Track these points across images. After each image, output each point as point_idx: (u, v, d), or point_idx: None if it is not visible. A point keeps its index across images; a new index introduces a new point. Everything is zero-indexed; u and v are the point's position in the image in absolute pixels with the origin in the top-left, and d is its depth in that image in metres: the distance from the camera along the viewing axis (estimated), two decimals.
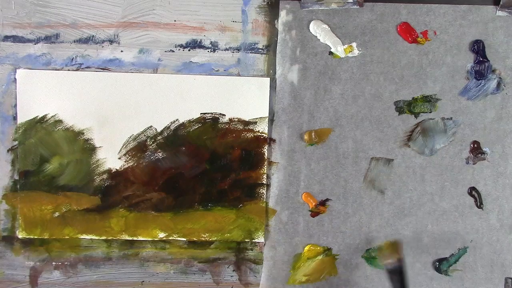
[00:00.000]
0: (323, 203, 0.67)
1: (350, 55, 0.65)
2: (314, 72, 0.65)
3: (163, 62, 0.65)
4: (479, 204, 0.67)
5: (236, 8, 0.64)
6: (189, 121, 0.65)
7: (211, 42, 0.65)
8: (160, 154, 0.66)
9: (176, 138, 0.66)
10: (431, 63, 0.65)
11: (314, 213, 0.67)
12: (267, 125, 0.66)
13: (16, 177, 0.65)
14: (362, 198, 0.67)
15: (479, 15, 0.65)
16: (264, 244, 0.68)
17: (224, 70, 0.65)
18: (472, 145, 0.67)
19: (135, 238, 0.67)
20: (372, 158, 0.67)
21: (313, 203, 0.67)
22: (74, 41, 0.64)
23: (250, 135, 0.66)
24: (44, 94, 0.64)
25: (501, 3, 0.64)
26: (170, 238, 0.67)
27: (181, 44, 0.65)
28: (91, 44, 0.64)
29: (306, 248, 0.68)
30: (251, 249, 0.69)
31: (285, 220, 0.67)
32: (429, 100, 0.66)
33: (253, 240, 0.68)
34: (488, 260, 0.68)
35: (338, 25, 0.65)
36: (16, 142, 0.65)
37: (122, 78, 0.64)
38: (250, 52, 0.65)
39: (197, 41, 0.65)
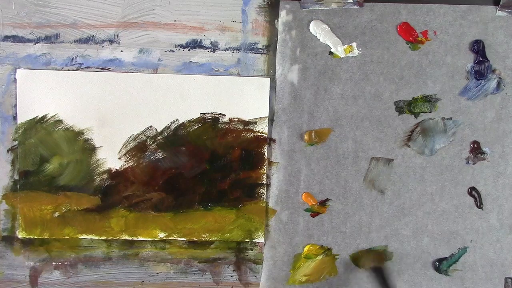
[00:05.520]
0: (323, 203, 0.67)
1: (350, 55, 0.65)
2: (314, 72, 0.65)
3: (163, 62, 0.65)
4: (479, 204, 0.67)
5: (236, 8, 0.64)
6: (189, 121, 0.65)
7: (211, 42, 0.65)
8: (160, 154, 0.66)
9: (176, 138, 0.66)
10: (431, 63, 0.65)
11: (314, 213, 0.67)
12: (267, 125, 0.66)
13: (16, 177, 0.65)
14: (362, 198, 0.67)
15: (479, 15, 0.65)
16: (264, 244, 0.68)
17: (224, 70, 0.65)
18: (472, 145, 0.67)
19: (135, 238, 0.67)
20: (372, 158, 0.67)
21: (313, 203, 0.67)
22: (74, 41, 0.64)
23: (250, 135, 0.66)
24: (44, 94, 0.64)
25: (501, 3, 0.64)
26: (170, 238, 0.67)
27: (181, 44, 0.65)
28: (91, 44, 0.64)
29: (306, 248, 0.68)
30: (251, 249, 0.69)
31: (285, 220, 0.68)
32: (429, 100, 0.66)
33: (253, 240, 0.68)
34: (488, 260, 0.68)
35: (338, 25, 0.65)
36: (16, 142, 0.65)
37: (122, 78, 0.64)
38: (250, 52, 0.65)
39: (197, 41, 0.65)
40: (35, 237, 0.67)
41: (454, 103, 0.66)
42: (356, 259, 0.68)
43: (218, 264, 0.69)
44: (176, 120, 0.65)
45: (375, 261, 0.67)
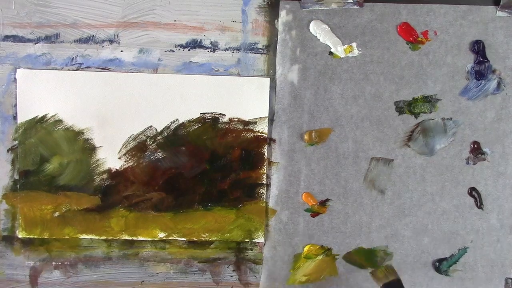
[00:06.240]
0: (323, 203, 0.67)
1: (350, 55, 0.65)
2: (314, 72, 0.65)
3: (163, 62, 0.65)
4: (479, 204, 0.67)
5: (236, 8, 0.64)
6: (189, 121, 0.65)
7: (211, 42, 0.65)
8: (160, 154, 0.66)
9: (176, 138, 0.66)
10: (431, 63, 0.65)
11: (314, 213, 0.67)
12: (267, 125, 0.66)
13: (16, 177, 0.65)
14: (362, 198, 0.67)
15: (479, 15, 0.65)
16: (264, 244, 0.68)
17: (224, 70, 0.65)
18: (472, 145, 0.67)
19: (135, 238, 0.67)
20: (372, 158, 0.67)
21: (313, 203, 0.67)
22: (74, 41, 0.64)
23: (250, 135, 0.66)
24: (44, 94, 0.64)
25: (501, 3, 0.64)
26: (170, 238, 0.67)
27: (181, 44, 0.65)
28: (91, 44, 0.64)
29: (306, 248, 0.68)
30: (251, 249, 0.69)
31: (285, 220, 0.67)
32: (429, 100, 0.66)
33: (253, 240, 0.68)
34: (488, 260, 0.68)
35: (338, 25, 0.65)
36: (16, 142, 0.65)
37: (122, 78, 0.65)
38: (250, 52, 0.65)
39: (197, 41, 0.65)
40: (35, 237, 0.67)
41: (454, 103, 0.66)
42: (352, 259, 0.68)
43: (218, 264, 0.69)
44: (176, 120, 0.65)
45: (388, 276, 0.68)
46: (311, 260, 0.68)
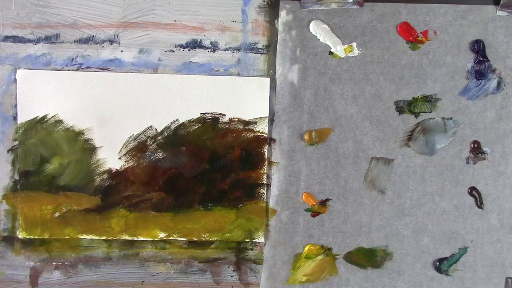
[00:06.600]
0: (323, 203, 0.67)
1: (350, 55, 0.65)
2: (314, 72, 0.65)
3: (163, 62, 0.65)
4: (479, 204, 0.67)
5: (236, 8, 0.64)
6: (189, 121, 0.65)
7: (211, 42, 0.65)
8: (160, 154, 0.66)
9: (176, 138, 0.66)
10: (431, 63, 0.65)
11: (314, 213, 0.67)
12: (267, 125, 0.66)
13: (17, 177, 0.65)
14: (362, 198, 0.67)
15: (479, 15, 0.65)
16: (264, 244, 0.68)
17: (224, 70, 0.66)
18: (472, 145, 0.67)
19: (135, 238, 0.67)
20: (372, 158, 0.67)
21: (313, 203, 0.67)
22: (74, 41, 0.64)
23: (250, 135, 0.66)
24: (44, 94, 0.64)
25: (501, 3, 0.64)
26: (170, 238, 0.67)
27: (181, 44, 0.65)
28: (91, 44, 0.64)
29: (306, 248, 0.68)
30: (251, 249, 0.69)
31: (285, 220, 0.68)
32: (429, 100, 0.66)
33: (253, 240, 0.68)
34: (488, 260, 0.68)
35: (338, 25, 0.65)
36: (17, 142, 0.65)
37: (122, 78, 0.65)
38: (250, 52, 0.65)
39: (197, 41, 0.65)
40: (36, 237, 0.67)
41: (454, 103, 0.66)
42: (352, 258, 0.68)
43: (219, 264, 0.69)
44: (176, 120, 0.65)
45: None
46: (311, 260, 0.68)
